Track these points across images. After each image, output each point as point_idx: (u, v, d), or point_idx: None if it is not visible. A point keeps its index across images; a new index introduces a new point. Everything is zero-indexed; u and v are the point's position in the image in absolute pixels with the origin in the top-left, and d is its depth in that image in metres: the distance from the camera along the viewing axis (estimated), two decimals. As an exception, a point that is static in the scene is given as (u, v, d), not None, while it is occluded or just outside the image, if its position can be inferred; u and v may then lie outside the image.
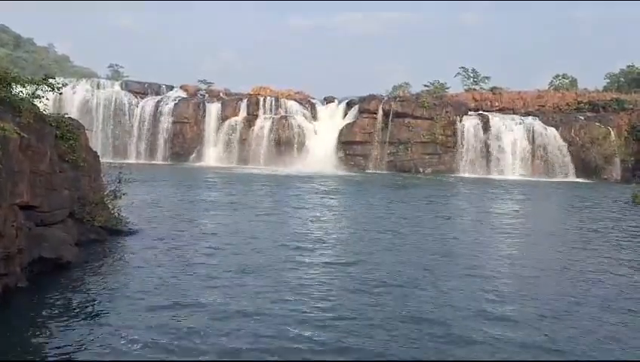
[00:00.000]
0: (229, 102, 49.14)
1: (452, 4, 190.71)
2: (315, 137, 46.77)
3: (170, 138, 47.83)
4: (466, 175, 43.69)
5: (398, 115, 46.21)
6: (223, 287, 9.64)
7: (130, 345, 7.07)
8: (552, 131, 45.41)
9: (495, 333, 7.86)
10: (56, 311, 8.28)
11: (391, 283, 10.22)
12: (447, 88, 57.59)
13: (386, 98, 48.54)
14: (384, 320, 8.19)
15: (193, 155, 47.48)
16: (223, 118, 48.11)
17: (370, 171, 44.43)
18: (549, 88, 58.43)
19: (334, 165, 44.42)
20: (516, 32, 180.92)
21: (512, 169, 44.82)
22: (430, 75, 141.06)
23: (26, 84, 11.10)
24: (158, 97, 49.83)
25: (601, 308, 9.20)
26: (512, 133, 45.41)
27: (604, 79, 63.05)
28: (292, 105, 49.01)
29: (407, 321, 8.16)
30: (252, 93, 50.92)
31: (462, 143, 45.60)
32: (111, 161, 28.44)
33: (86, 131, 13.99)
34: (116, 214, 13.90)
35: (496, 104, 50.89)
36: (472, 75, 60.95)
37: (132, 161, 44.13)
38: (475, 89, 57.61)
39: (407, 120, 46.06)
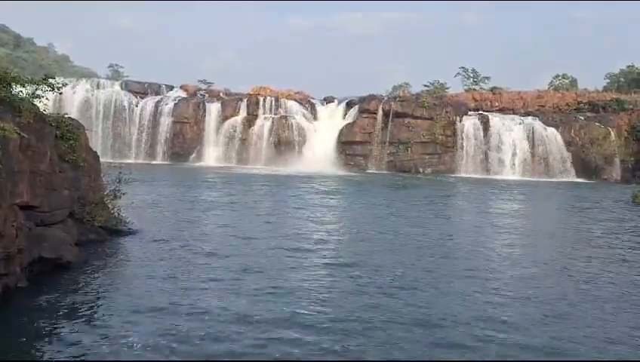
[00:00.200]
0: (229, 102, 49.14)
1: (452, 4, 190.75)
2: (315, 137, 46.75)
3: (170, 138, 47.81)
4: (466, 175, 43.67)
5: (398, 115, 46.20)
6: (223, 288, 9.64)
7: (130, 345, 7.07)
8: (552, 131, 45.41)
9: (497, 335, 7.86)
10: (56, 311, 8.28)
11: (391, 284, 10.21)
12: (447, 88, 57.61)
13: (386, 98, 48.52)
14: (384, 322, 8.15)
15: (193, 155, 47.46)
16: (223, 118, 48.09)
17: (370, 171, 44.43)
18: (548, 88, 58.42)
19: (334, 165, 44.39)
20: (516, 32, 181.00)
21: (512, 169, 44.81)
22: (430, 75, 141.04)
23: (26, 84, 11.10)
24: (158, 97, 49.82)
25: (602, 308, 9.20)
26: (511, 133, 45.39)
27: (604, 79, 63.11)
28: (292, 105, 49.01)
29: (407, 324, 8.13)
30: (252, 93, 50.92)
31: (462, 143, 45.58)
32: (111, 160, 28.46)
33: (86, 131, 13.99)
34: (116, 214, 13.90)
35: (496, 104, 50.89)
36: (472, 75, 60.95)
37: (132, 160, 44.11)
38: (475, 89, 57.61)
39: (407, 120, 46.05)
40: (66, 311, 8.32)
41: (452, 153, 45.64)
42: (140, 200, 18.16)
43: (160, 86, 51.73)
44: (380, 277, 10.61)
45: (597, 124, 45.66)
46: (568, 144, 44.92)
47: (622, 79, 60.73)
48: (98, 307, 8.52)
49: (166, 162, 46.27)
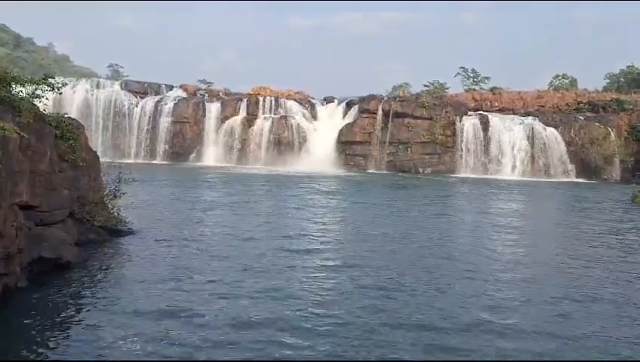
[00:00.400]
0: (229, 102, 49.13)
1: (452, 4, 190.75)
2: (315, 137, 46.74)
3: (170, 138, 47.80)
4: (466, 175, 43.67)
5: (397, 115, 46.19)
6: (223, 288, 9.63)
7: (129, 345, 7.06)
8: (551, 131, 45.41)
9: (497, 338, 7.85)
10: (56, 311, 8.27)
11: (392, 285, 10.17)
12: (447, 88, 57.65)
13: (385, 98, 48.52)
14: (385, 325, 8.11)
15: (193, 155, 47.46)
16: (223, 117, 48.09)
17: (370, 171, 44.42)
18: (548, 88, 58.45)
19: (334, 165, 44.40)
20: (516, 32, 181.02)
21: (512, 169, 44.81)
22: (430, 75, 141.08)
23: (26, 84, 11.09)
24: (158, 97, 49.80)
25: (602, 308, 9.20)
26: (511, 134, 45.40)
27: (604, 79, 63.15)
28: (292, 105, 49.00)
29: (408, 327, 8.09)
30: (252, 93, 50.92)
31: (461, 143, 45.56)
32: (110, 160, 28.44)
33: (86, 131, 13.98)
34: (116, 214, 13.89)
35: (496, 104, 50.90)
36: (471, 75, 61.00)
37: (132, 160, 44.11)
38: (474, 89, 57.64)
39: (406, 120, 46.04)
40: (65, 311, 8.32)
41: (452, 153, 45.65)
42: (140, 200, 18.16)
43: (160, 86, 51.72)
44: (381, 278, 10.59)
45: (597, 124, 45.68)
46: (568, 144, 44.92)
47: (622, 79, 60.76)
48: (98, 307, 8.51)
49: (166, 162, 46.27)
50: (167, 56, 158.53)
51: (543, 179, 42.53)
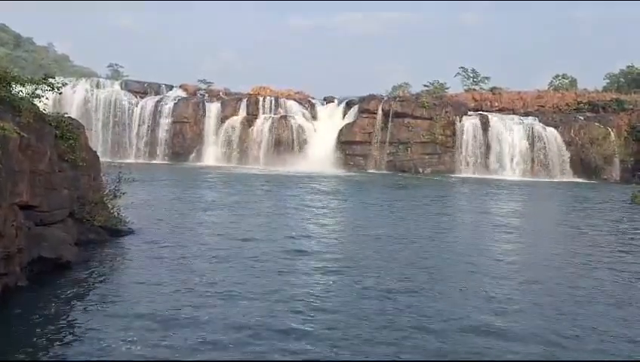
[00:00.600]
0: (229, 102, 49.14)
1: (452, 4, 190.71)
2: (315, 137, 46.75)
3: (170, 138, 47.81)
4: (466, 175, 43.68)
5: (397, 115, 46.20)
6: (223, 289, 9.63)
7: (129, 346, 7.06)
8: (551, 131, 45.43)
9: (498, 342, 7.85)
10: (56, 311, 8.27)
11: (392, 287, 10.11)
12: (447, 88, 57.68)
13: (385, 98, 48.53)
14: (384, 327, 8.08)
15: (193, 155, 47.46)
16: (223, 117, 48.10)
17: (370, 171, 44.42)
18: (548, 88, 58.47)
19: (334, 165, 44.40)
20: (516, 32, 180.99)
21: (512, 169, 44.83)
22: (430, 75, 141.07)
23: (26, 84, 11.09)
24: (158, 97, 49.82)
25: (603, 309, 9.20)
26: (511, 134, 45.41)
27: (604, 79, 63.16)
28: (292, 105, 49.01)
29: (408, 328, 8.06)
30: (252, 93, 50.94)
31: (461, 143, 45.58)
32: (110, 160, 28.45)
33: (86, 131, 13.98)
34: (116, 214, 13.88)
35: (496, 104, 50.92)
36: (471, 75, 61.03)
37: (132, 160, 44.12)
38: (474, 89, 57.65)
39: (406, 120, 46.05)
40: (65, 311, 8.32)
41: (452, 153, 45.66)
42: (140, 200, 18.17)
43: (160, 86, 51.73)
44: (381, 279, 10.58)
45: (597, 124, 45.70)
46: (568, 144, 44.95)
47: (622, 79, 60.78)
48: (98, 307, 8.51)
49: (166, 162, 46.29)
50: (167, 56, 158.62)
51: (543, 179, 42.55)
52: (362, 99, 47.96)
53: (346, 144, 46.28)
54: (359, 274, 10.83)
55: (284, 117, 47.61)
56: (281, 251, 12.66)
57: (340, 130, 46.63)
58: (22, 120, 9.85)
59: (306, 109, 49.24)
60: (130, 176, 14.96)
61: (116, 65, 73.73)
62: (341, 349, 7.24)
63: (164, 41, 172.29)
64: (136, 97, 49.11)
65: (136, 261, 11.38)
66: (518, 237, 16.08)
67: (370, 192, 28.53)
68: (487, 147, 45.32)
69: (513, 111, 49.56)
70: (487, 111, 48.87)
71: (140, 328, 7.62)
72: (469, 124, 46.03)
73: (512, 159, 45.02)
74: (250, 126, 47.45)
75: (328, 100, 50.90)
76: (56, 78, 12.51)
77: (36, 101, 11.21)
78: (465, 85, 60.20)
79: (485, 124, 45.82)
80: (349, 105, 48.71)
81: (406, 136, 45.77)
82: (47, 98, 11.82)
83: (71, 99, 45.84)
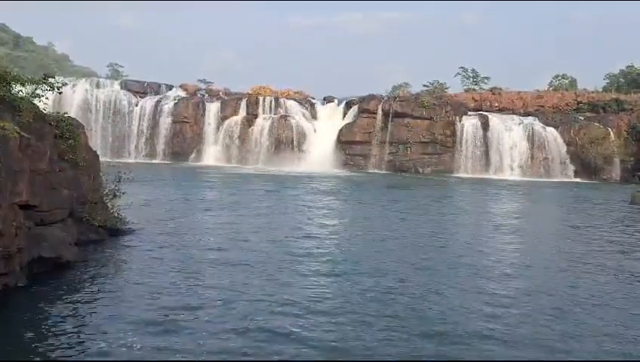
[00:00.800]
0: (229, 102, 49.15)
1: (452, 4, 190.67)
2: (315, 137, 46.76)
3: (170, 137, 47.83)
4: (466, 175, 43.71)
5: (397, 114, 46.23)
6: (223, 288, 9.62)
7: (129, 345, 7.06)
8: (551, 131, 45.46)
9: (499, 348, 7.85)
10: (56, 311, 8.26)
11: (393, 288, 10.11)
12: (447, 88, 57.76)
13: (385, 98, 48.56)
14: (385, 329, 8.09)
15: (193, 155, 47.47)
16: (223, 117, 48.12)
17: (370, 171, 44.44)
18: (548, 88, 58.51)
19: (334, 165, 44.42)
20: (516, 32, 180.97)
21: (512, 169, 44.86)
22: (430, 75, 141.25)
23: (26, 83, 11.09)
24: (158, 97, 49.84)
25: (603, 309, 9.20)
26: (511, 134, 45.45)
27: (604, 79, 63.18)
28: (292, 104, 49.03)
29: (408, 330, 8.07)
30: (252, 92, 50.95)
31: (461, 143, 45.62)
32: (110, 160, 28.44)
33: (85, 130, 13.97)
34: (116, 214, 13.88)
35: (496, 104, 50.94)
36: (471, 75, 61.13)
37: (131, 160, 44.16)
38: (474, 89, 57.72)
39: (406, 120, 46.08)
40: (65, 310, 8.31)
41: (451, 153, 45.69)
42: (140, 200, 18.16)
43: (159, 85, 51.76)
44: (382, 280, 10.56)
45: (596, 124, 45.73)
46: (568, 144, 44.99)
47: (621, 79, 60.80)
48: (98, 307, 8.51)
49: (165, 162, 46.30)
50: (167, 56, 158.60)
51: (543, 179, 42.57)
52: (362, 99, 47.99)
53: (346, 144, 46.29)
54: (359, 275, 10.82)
55: (284, 117, 47.61)
56: (281, 251, 12.65)
57: (340, 130, 46.64)
58: (22, 119, 9.86)
59: (306, 109, 49.26)
60: (130, 175, 14.95)
61: (116, 65, 73.90)
62: (341, 351, 7.24)
63: (164, 41, 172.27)
64: (136, 97, 49.13)
65: (136, 261, 11.37)
66: (519, 238, 16.08)
67: (370, 192, 28.53)
68: (487, 147, 45.36)
69: (513, 112, 49.59)
70: (487, 111, 48.90)
71: (140, 328, 7.61)
72: (469, 124, 46.06)
73: (511, 159, 45.06)
74: (250, 126, 47.47)
75: (328, 100, 50.92)
76: (56, 78, 12.52)
77: (36, 101, 11.21)
78: (465, 85, 60.34)
79: (485, 124, 45.85)
80: (348, 105, 48.73)
81: (406, 136, 45.80)
82: (47, 98, 11.82)
83: (71, 98, 45.88)
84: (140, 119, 48.03)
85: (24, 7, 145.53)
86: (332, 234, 15.48)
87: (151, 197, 20.67)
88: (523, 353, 7.31)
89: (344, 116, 48.43)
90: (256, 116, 48.03)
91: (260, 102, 48.53)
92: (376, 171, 44.49)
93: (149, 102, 48.85)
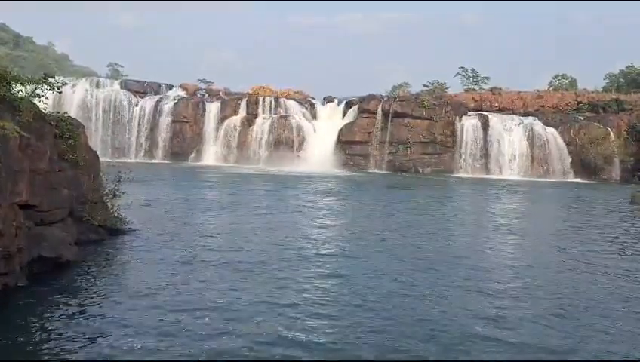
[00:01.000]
0: (229, 102, 49.13)
1: (452, 4, 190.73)
2: (315, 137, 46.75)
3: (170, 137, 47.81)
4: (465, 175, 43.71)
5: (397, 114, 46.22)
6: (222, 288, 9.63)
7: (129, 345, 7.06)
8: (551, 132, 45.44)
9: (499, 346, 7.85)
10: (56, 311, 8.27)
11: (393, 289, 10.11)
12: (447, 88, 57.73)
13: (385, 98, 48.55)
14: (385, 332, 8.09)
15: (192, 155, 47.46)
16: (223, 117, 48.09)
17: (370, 171, 44.43)
18: (548, 88, 58.49)
19: (334, 165, 44.41)
20: (516, 32, 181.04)
21: (511, 169, 44.85)
22: (430, 75, 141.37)
23: (26, 83, 11.09)
24: (158, 96, 49.82)
25: (603, 309, 9.20)
26: (511, 134, 45.44)
27: (604, 80, 63.15)
28: (291, 104, 49.02)
29: (408, 331, 8.08)
30: (251, 92, 50.93)
31: (461, 143, 45.62)
32: (110, 160, 28.44)
33: (85, 130, 13.97)
34: (115, 213, 13.88)
35: (496, 104, 50.92)
36: (471, 75, 61.12)
37: (131, 160, 44.14)
38: (474, 89, 57.70)
39: (406, 120, 46.08)
40: (65, 310, 8.31)
41: (451, 153, 45.69)
42: (140, 200, 18.15)
43: (159, 85, 51.74)
44: (382, 282, 10.55)
45: (596, 124, 45.72)
46: (568, 144, 44.97)
47: (621, 80, 60.79)
48: (98, 307, 8.51)
49: (165, 161, 46.28)
50: (167, 55, 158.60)
51: (543, 179, 42.56)
52: (362, 99, 47.98)
53: (346, 144, 46.28)
54: (360, 276, 10.81)
55: (284, 117, 47.61)
56: (281, 252, 12.65)
57: (340, 130, 46.63)
58: (22, 119, 9.86)
59: (306, 109, 49.24)
60: (130, 175, 14.95)
61: (116, 64, 73.90)
62: (341, 353, 7.23)
63: (164, 41, 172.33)
64: (135, 97, 49.11)
65: (135, 260, 11.37)
66: (518, 238, 16.07)
67: (370, 192, 28.52)
68: (487, 147, 45.34)
69: (513, 112, 49.56)
70: (486, 111, 48.88)
71: (140, 328, 7.61)
72: (469, 124, 46.06)
73: (511, 159, 45.03)
74: (250, 126, 47.45)
75: (328, 100, 50.91)
76: (56, 78, 12.53)
77: (36, 100, 11.22)
78: (465, 85, 60.32)
79: (485, 124, 45.84)
80: (348, 105, 48.73)
81: (406, 136, 45.79)
82: (46, 97, 11.83)
83: (71, 98, 45.87)
84: (139, 119, 48.02)
85: (24, 7, 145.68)
86: (332, 234, 15.47)
87: (151, 197, 20.66)
88: (524, 353, 7.31)
89: (344, 116, 48.42)
90: (256, 116, 48.02)
91: (260, 102, 48.52)
92: (376, 171, 44.49)
93: (148, 102, 48.84)
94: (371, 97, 47.99)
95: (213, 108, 48.50)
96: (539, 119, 46.65)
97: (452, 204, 25.81)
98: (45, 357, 6.80)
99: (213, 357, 6.89)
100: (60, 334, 7.43)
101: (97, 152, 14.76)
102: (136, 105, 48.42)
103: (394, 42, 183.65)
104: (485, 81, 60.17)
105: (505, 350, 7.37)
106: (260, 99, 48.75)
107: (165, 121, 47.85)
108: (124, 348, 6.99)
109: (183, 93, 51.41)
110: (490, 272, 11.47)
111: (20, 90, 10.84)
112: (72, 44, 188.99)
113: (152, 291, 9.25)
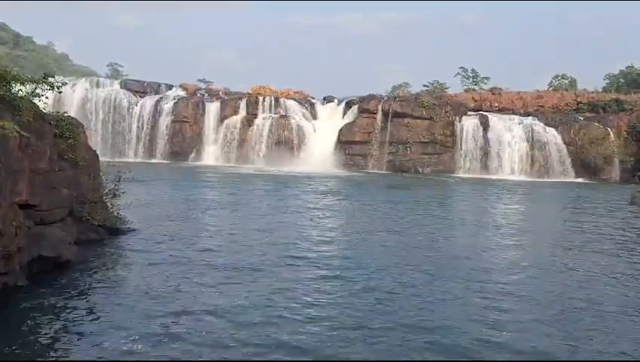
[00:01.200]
0: (229, 102, 49.13)
1: (452, 4, 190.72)
2: (315, 137, 46.75)
3: (170, 137, 47.82)
4: (465, 175, 43.71)
5: (397, 114, 46.23)
6: (221, 288, 9.62)
7: (129, 345, 7.06)
8: (551, 132, 45.45)
9: (498, 346, 7.85)
10: (56, 311, 8.26)
11: (393, 291, 10.05)
12: (447, 88, 57.72)
13: (385, 98, 48.56)
14: (385, 329, 8.07)
15: (192, 154, 47.46)
16: (223, 117, 48.09)
17: (370, 171, 44.43)
18: (548, 88, 58.49)
19: (333, 165, 44.40)
20: (516, 32, 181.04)
21: (511, 169, 44.85)
22: (430, 75, 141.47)
23: (26, 83, 11.08)
24: (158, 96, 49.83)
25: (603, 309, 9.20)
26: (511, 134, 45.43)
27: (604, 80, 63.18)
28: (291, 104, 49.01)
29: (408, 331, 8.06)
30: (251, 92, 50.93)
31: (461, 143, 45.62)
32: (110, 159, 28.43)
33: (85, 130, 13.97)
34: (115, 213, 13.88)
35: (496, 104, 50.92)
36: (471, 75, 61.12)
37: (131, 159, 44.15)
38: (474, 89, 57.70)
39: (406, 120, 46.08)
40: (65, 310, 8.31)
41: (451, 153, 45.70)
42: (140, 200, 18.12)
43: (159, 85, 51.76)
44: (383, 282, 10.54)
45: (596, 124, 45.73)
46: (568, 144, 44.96)
47: (621, 80, 60.80)
48: (97, 306, 8.51)
49: (165, 161, 46.29)
50: (167, 55, 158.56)
51: (543, 180, 42.56)
52: (362, 99, 47.98)
53: (346, 144, 46.28)
54: (361, 277, 10.80)
55: (284, 117, 47.60)
56: (280, 252, 12.65)
57: (340, 130, 46.64)
58: (22, 119, 9.85)
59: (306, 109, 49.24)
60: (130, 175, 14.95)
61: (116, 64, 73.93)
62: (341, 355, 7.23)
63: (164, 41, 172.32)
64: (135, 96, 49.12)
65: (135, 260, 11.37)
66: (519, 239, 16.06)
67: (370, 192, 28.52)
68: (487, 147, 45.34)
69: (513, 112, 49.56)
70: (486, 111, 48.88)
71: (140, 328, 7.60)
72: (469, 124, 46.06)
73: (511, 159, 45.04)
74: (249, 125, 47.45)
75: (328, 100, 50.91)
76: (56, 77, 12.51)
77: (36, 100, 11.21)
78: (465, 85, 60.33)
79: (485, 124, 45.85)
80: (348, 105, 48.73)
81: (406, 136, 45.80)
82: (46, 97, 11.81)
83: (71, 98, 45.88)
84: (139, 119, 48.02)
85: (24, 6, 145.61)
86: (332, 234, 15.47)
87: (151, 197, 20.67)
88: (524, 354, 7.31)
89: (344, 116, 48.42)
90: (255, 116, 48.01)
91: (260, 102, 48.51)
92: (375, 171, 44.48)
93: (148, 101, 48.84)
94: (371, 97, 48.00)
95: (213, 108, 48.50)
96: (539, 119, 46.65)
97: (452, 204, 25.82)
98: (45, 357, 6.80)
99: (214, 356, 6.88)
100: (60, 334, 7.43)
101: (97, 152, 14.76)
102: (136, 105, 48.43)
103: (394, 42, 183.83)
104: (485, 81, 60.23)
105: (505, 350, 7.36)
106: (260, 99, 48.75)
107: (165, 120, 47.86)
108: (124, 348, 6.99)
109: (182, 93, 51.42)
110: (490, 273, 11.46)
111: (20, 90, 10.82)
112: (72, 44, 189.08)
113: (151, 291, 9.24)
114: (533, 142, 45.07)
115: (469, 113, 47.60)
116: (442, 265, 11.91)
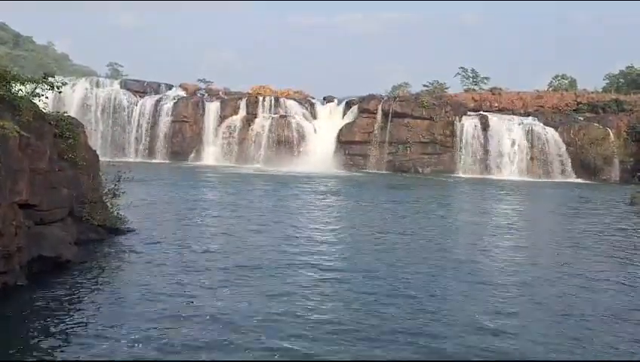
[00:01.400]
0: (229, 102, 49.12)
1: (452, 4, 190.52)
2: (315, 137, 46.75)
3: (170, 137, 47.81)
4: (465, 175, 43.72)
5: (397, 114, 46.23)
6: (221, 288, 9.63)
7: (129, 345, 7.06)
8: (551, 132, 45.44)
9: (497, 344, 7.86)
10: (56, 310, 8.27)
11: (393, 290, 10.08)
12: (447, 88, 57.68)
13: (385, 98, 48.55)
14: (385, 329, 8.08)
15: (192, 154, 47.45)
16: (223, 117, 48.09)
17: (370, 171, 44.42)
18: (548, 89, 58.46)
19: (333, 165, 44.40)
20: (516, 32, 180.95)
21: (511, 169, 44.84)
22: (430, 75, 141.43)
23: (26, 83, 11.08)
24: (158, 96, 49.81)
25: (603, 310, 9.21)
26: (511, 134, 45.42)
27: (604, 80, 63.15)
28: (291, 104, 49.00)
29: (408, 332, 8.08)
30: (251, 92, 50.92)
31: (461, 143, 45.61)
32: (110, 159, 28.41)
33: (85, 130, 13.97)
34: (115, 213, 13.89)
35: (496, 104, 50.90)
36: (471, 75, 61.09)
37: (131, 159, 44.13)
38: (474, 89, 57.67)
39: (406, 120, 46.08)
40: (65, 309, 8.31)
41: (451, 153, 45.69)
42: (139, 199, 18.15)
43: (159, 85, 51.74)
44: (383, 283, 10.54)
45: (596, 124, 45.73)
46: (567, 144, 44.96)
47: (621, 80, 60.78)
48: (97, 306, 8.51)
49: (165, 161, 46.28)
50: (167, 55, 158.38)
51: (542, 180, 42.56)
52: (362, 99, 47.98)
53: (346, 144, 46.29)
54: (361, 278, 10.82)
55: (284, 116, 47.60)
56: (280, 251, 12.66)
57: (340, 130, 46.65)
58: (22, 119, 9.86)
59: (306, 109, 49.23)
60: (130, 175, 14.95)
61: (116, 64, 73.88)
62: (340, 351, 7.24)
63: (164, 41, 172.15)
64: (135, 96, 49.11)
65: (135, 260, 11.38)
66: (518, 239, 16.08)
67: (371, 192, 28.51)
68: (487, 147, 45.33)
69: (513, 112, 49.54)
70: (486, 111, 48.86)
71: (140, 327, 7.61)
72: (469, 124, 46.06)
73: (511, 159, 45.02)
74: (249, 125, 47.44)
75: (328, 100, 50.91)
76: (56, 77, 12.52)
77: (36, 100, 11.22)
78: (465, 85, 60.30)
79: (485, 124, 45.84)
80: (348, 105, 48.72)
81: (406, 136, 45.80)
82: (46, 97, 11.83)
83: (70, 98, 45.87)
84: (139, 118, 48.02)
85: (24, 6, 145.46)
86: (332, 235, 15.47)
87: (150, 197, 20.67)
88: (523, 355, 7.32)
89: (344, 116, 48.41)
90: (255, 116, 48.01)
91: (260, 102, 48.50)
92: (375, 171, 44.48)
93: (148, 101, 48.84)
94: (371, 97, 48.00)
95: (213, 108, 48.50)
96: (539, 119, 46.65)
97: (452, 204, 25.83)
98: (44, 357, 6.80)
99: (214, 356, 6.89)
100: (59, 333, 7.43)
101: (97, 152, 14.77)
102: (136, 105, 48.41)
103: (394, 42, 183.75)
104: (485, 81, 60.21)
105: (505, 350, 7.37)
106: (260, 99, 48.73)
107: (165, 120, 47.85)
108: (124, 347, 7.00)
109: (182, 93, 51.40)
110: (490, 273, 11.47)
111: (20, 90, 10.83)
112: (72, 44, 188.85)
113: (151, 291, 9.25)
114: (533, 143, 45.07)
115: (468, 113, 47.60)
116: (442, 265, 11.91)
